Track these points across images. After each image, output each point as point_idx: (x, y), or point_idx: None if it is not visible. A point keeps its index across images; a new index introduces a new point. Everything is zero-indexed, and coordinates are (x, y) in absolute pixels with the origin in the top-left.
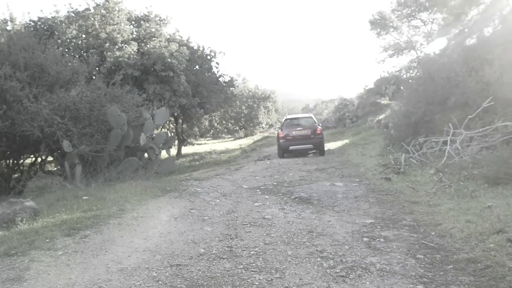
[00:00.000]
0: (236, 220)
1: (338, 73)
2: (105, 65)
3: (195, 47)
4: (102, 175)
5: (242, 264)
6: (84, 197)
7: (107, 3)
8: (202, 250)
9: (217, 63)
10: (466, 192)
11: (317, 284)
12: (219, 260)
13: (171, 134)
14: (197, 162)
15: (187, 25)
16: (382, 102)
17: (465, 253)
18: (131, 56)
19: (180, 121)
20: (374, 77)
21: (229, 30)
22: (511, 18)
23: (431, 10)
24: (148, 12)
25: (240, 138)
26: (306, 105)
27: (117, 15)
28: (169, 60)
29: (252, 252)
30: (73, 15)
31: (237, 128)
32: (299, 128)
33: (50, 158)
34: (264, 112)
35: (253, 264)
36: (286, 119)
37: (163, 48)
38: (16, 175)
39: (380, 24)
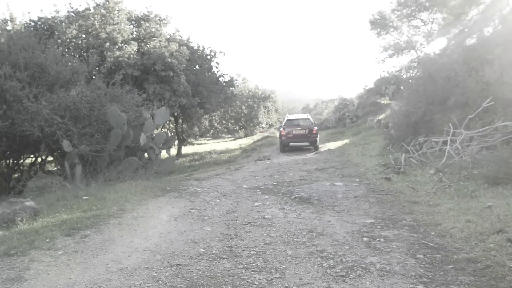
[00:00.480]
0: (236, 220)
1: (338, 73)
2: (105, 65)
3: (195, 47)
4: (102, 175)
5: (242, 264)
6: (84, 197)
7: (107, 3)
8: (202, 250)
9: (217, 63)
10: (466, 192)
11: (317, 284)
12: (219, 260)
13: (171, 134)
14: (197, 162)
15: (187, 25)
16: (382, 102)
17: (465, 253)
18: (131, 56)
19: (180, 121)
20: (374, 77)
21: (229, 30)
22: (511, 18)
23: (431, 10)
24: (148, 12)
25: (240, 138)
26: (306, 105)
27: (117, 15)
28: (169, 60)
29: (252, 252)
30: (73, 15)
31: (237, 128)
32: (298, 128)
33: (50, 158)
34: (264, 112)
35: (253, 264)
36: (287, 119)
37: (163, 48)
38: (16, 175)
39: (380, 24)
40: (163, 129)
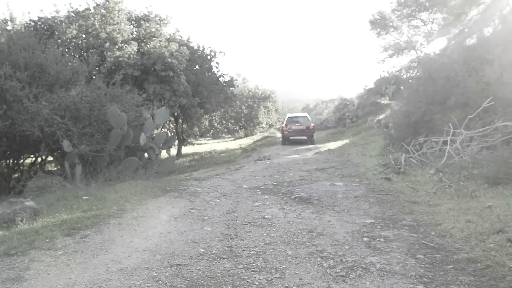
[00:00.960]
0: (236, 220)
1: (338, 73)
2: (105, 65)
3: (195, 47)
4: (102, 175)
5: (242, 264)
6: (84, 197)
7: (107, 3)
8: (202, 250)
9: (217, 63)
10: (466, 192)
11: (317, 284)
12: (219, 260)
13: (171, 134)
14: (197, 162)
15: (187, 25)
16: (382, 102)
17: (465, 253)
18: (131, 56)
19: (180, 121)
20: (374, 77)
21: (229, 30)
22: (511, 18)
23: (431, 10)
24: (148, 12)
25: (240, 138)
26: (306, 105)
27: (117, 15)
28: (169, 60)
29: (252, 252)
30: (73, 15)
31: (237, 128)
32: (297, 124)
33: (50, 158)
34: (264, 112)
35: (253, 264)
36: (288, 117)
37: (163, 48)
38: (16, 175)
39: (380, 24)
40: (163, 129)
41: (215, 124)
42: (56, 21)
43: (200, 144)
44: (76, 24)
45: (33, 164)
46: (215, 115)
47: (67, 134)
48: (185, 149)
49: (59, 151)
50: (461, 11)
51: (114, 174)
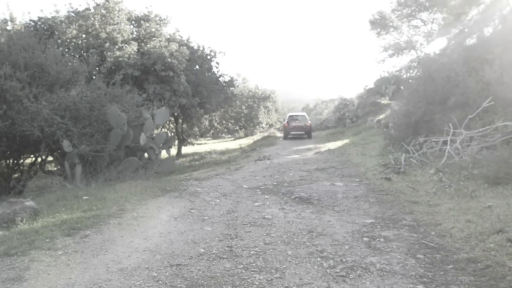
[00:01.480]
0: (236, 220)
1: (338, 73)
2: (105, 65)
3: (195, 47)
4: (102, 175)
5: (242, 264)
6: (84, 197)
7: (107, 3)
8: (202, 250)
9: (217, 63)
10: (466, 192)
11: (317, 284)
12: (219, 260)
13: (171, 134)
14: (197, 162)
15: (187, 25)
16: (382, 102)
17: (465, 253)
18: (131, 56)
19: (180, 121)
20: (374, 77)
21: (229, 30)
22: (511, 18)
23: (431, 10)
24: (148, 12)
25: (240, 138)
26: (306, 105)
27: (117, 15)
28: (169, 60)
29: (252, 252)
30: (73, 15)
31: (237, 128)
32: (297, 121)
33: (50, 158)
34: (264, 112)
35: (253, 264)
36: (289, 116)
37: (163, 48)
38: (16, 175)
39: (380, 24)
40: (163, 129)
41: (215, 124)
42: (56, 21)
43: (200, 144)
44: (76, 24)
45: (33, 164)
46: (215, 115)
47: (67, 134)
48: (185, 149)
49: (59, 151)
50: (461, 11)
51: (114, 174)
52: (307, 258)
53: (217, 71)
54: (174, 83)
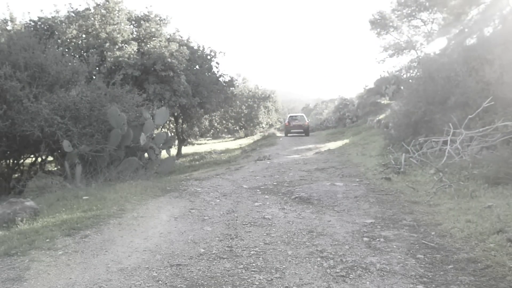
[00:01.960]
0: (236, 220)
1: (338, 73)
2: (105, 65)
3: (195, 47)
4: (102, 175)
5: (242, 264)
6: (84, 197)
7: (107, 3)
8: (202, 250)
9: (217, 63)
10: (466, 192)
11: (317, 284)
12: (219, 260)
13: (171, 134)
14: (197, 162)
15: (187, 25)
16: (382, 102)
17: (465, 253)
18: (131, 56)
19: (180, 121)
20: (374, 77)
21: (229, 30)
22: (511, 18)
23: (431, 10)
24: (148, 12)
25: (240, 138)
26: (306, 105)
27: (117, 15)
28: (169, 60)
29: (252, 252)
30: (73, 15)
31: (237, 128)
32: (296, 121)
33: (50, 158)
34: (264, 112)
35: (253, 264)
36: (289, 116)
37: (163, 48)
38: (16, 175)
39: (380, 24)
40: (163, 129)
41: (215, 124)
42: (56, 21)
43: (200, 144)
44: (76, 24)
45: (33, 164)
46: (215, 115)
47: (67, 134)
48: (185, 149)
49: (59, 151)
50: (461, 11)
51: (114, 174)
52: (307, 258)
53: (217, 71)
54: (174, 83)
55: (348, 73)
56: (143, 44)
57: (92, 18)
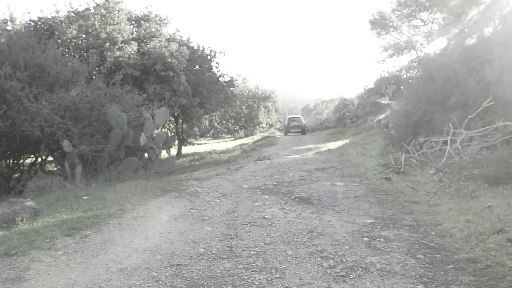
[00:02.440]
0: (236, 220)
1: (338, 73)
2: (105, 65)
3: (195, 47)
4: (102, 175)
5: (242, 264)
6: (84, 197)
7: (107, 3)
8: (202, 250)
9: (217, 63)
10: (466, 192)
11: (317, 284)
12: (219, 260)
13: (171, 134)
14: (197, 162)
15: (187, 25)
16: (382, 102)
17: (465, 253)
18: (131, 56)
19: (180, 121)
20: (374, 77)
21: (229, 30)
22: (511, 18)
23: (431, 10)
24: (148, 12)
25: (240, 138)
26: (306, 105)
27: (117, 15)
28: (169, 60)
29: (252, 252)
30: (73, 15)
31: (237, 128)
32: (295, 122)
33: (50, 158)
34: (264, 112)
35: (253, 264)
36: (289, 117)
37: (163, 48)
38: (16, 175)
39: (380, 24)
40: (163, 129)
41: (215, 124)
42: (56, 21)
43: (200, 144)
44: (76, 24)
45: (33, 164)
46: (215, 115)
47: (67, 134)
48: (185, 149)
49: (59, 151)
50: (461, 11)
51: (114, 174)
52: (307, 258)
53: (217, 71)
54: (174, 83)
55: (348, 73)
56: (143, 44)
57: (92, 18)
